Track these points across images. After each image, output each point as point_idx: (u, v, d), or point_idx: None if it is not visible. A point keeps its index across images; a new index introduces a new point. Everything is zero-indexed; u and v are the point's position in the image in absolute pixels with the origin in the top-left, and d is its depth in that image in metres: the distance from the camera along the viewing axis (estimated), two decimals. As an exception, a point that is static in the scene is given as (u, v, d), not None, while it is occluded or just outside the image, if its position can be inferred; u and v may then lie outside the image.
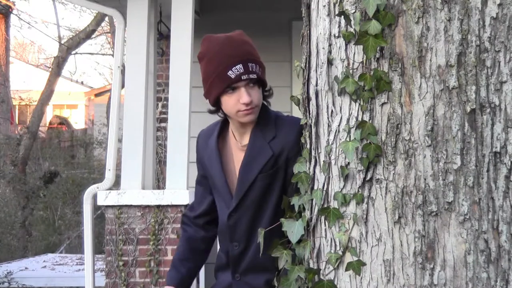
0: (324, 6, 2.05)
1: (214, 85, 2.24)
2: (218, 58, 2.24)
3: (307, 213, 2.10)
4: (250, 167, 2.29)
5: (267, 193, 2.28)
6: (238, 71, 2.21)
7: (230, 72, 2.21)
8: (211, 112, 2.34)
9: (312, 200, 2.08)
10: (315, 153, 2.09)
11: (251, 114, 2.25)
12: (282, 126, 2.29)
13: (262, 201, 2.29)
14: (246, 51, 2.26)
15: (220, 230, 2.40)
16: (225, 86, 2.22)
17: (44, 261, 9.97)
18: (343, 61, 2.00)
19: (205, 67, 2.28)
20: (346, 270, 1.96)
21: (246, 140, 2.34)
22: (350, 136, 1.97)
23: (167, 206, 4.93)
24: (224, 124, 2.40)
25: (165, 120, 6.71)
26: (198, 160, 2.48)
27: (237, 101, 2.23)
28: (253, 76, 2.23)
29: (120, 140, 5.37)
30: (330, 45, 2.04)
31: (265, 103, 2.35)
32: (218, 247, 2.49)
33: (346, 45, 1.99)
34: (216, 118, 2.41)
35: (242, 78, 2.21)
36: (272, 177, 2.27)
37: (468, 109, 1.88)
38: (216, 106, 2.30)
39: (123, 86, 5.34)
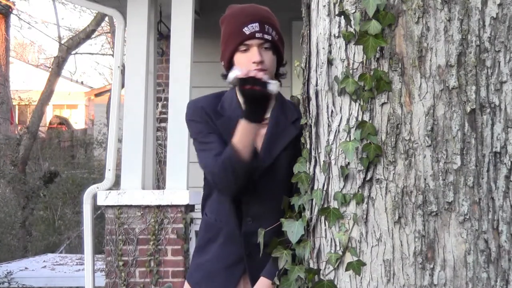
0: (324, 6, 2.05)
1: (229, 42, 2.27)
2: (237, 17, 2.28)
3: (307, 213, 2.10)
4: (275, 144, 2.27)
5: (287, 172, 2.23)
6: (253, 28, 2.24)
7: (245, 28, 2.24)
8: (224, 77, 2.33)
9: (312, 200, 2.08)
10: (315, 153, 2.09)
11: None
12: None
13: (282, 179, 2.25)
14: (266, 16, 2.29)
15: (227, 202, 2.30)
16: (238, 42, 2.24)
17: (44, 261, 9.97)
18: (343, 61, 2.00)
19: (224, 28, 2.32)
20: (346, 270, 1.96)
21: None
22: (350, 136, 1.97)
23: (167, 206, 4.94)
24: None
25: (165, 120, 6.71)
26: (204, 122, 2.30)
27: (248, 61, 2.23)
28: (268, 37, 2.24)
29: (120, 140, 5.37)
30: (330, 45, 2.04)
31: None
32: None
33: (346, 45, 1.99)
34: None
35: (256, 36, 2.23)
36: (293, 157, 2.23)
37: (468, 109, 1.88)
38: (229, 69, 2.29)
39: (123, 86, 5.34)
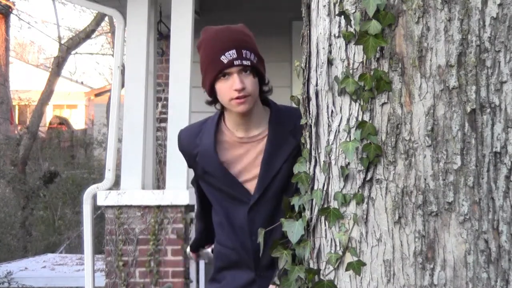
0: (324, 6, 2.05)
1: (208, 71, 2.23)
2: (213, 44, 2.23)
3: (307, 213, 2.10)
4: (275, 157, 2.26)
5: (289, 182, 2.23)
6: (231, 56, 2.19)
7: (223, 57, 2.19)
8: (208, 103, 2.31)
9: (312, 200, 2.07)
10: (315, 153, 2.09)
11: (244, 103, 2.21)
12: (298, 117, 2.23)
13: (284, 191, 2.25)
14: (242, 39, 2.24)
15: (230, 227, 2.33)
16: (217, 72, 2.20)
17: (44, 261, 9.98)
18: (343, 61, 2.00)
19: (201, 55, 2.27)
20: (346, 270, 1.96)
21: (252, 132, 2.31)
22: (350, 136, 1.97)
23: (167, 206, 4.94)
24: (218, 120, 2.36)
25: (165, 120, 6.71)
26: (187, 158, 2.43)
27: (229, 88, 2.20)
28: (247, 62, 2.20)
29: (120, 140, 5.38)
30: (330, 45, 2.04)
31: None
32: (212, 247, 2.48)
33: (346, 45, 1.99)
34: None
35: (235, 63, 2.19)
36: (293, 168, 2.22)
37: (468, 109, 1.87)
38: (212, 96, 2.27)
39: (123, 86, 5.35)
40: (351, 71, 1.97)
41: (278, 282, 2.14)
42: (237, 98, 2.20)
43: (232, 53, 2.19)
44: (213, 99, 2.28)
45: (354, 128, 1.95)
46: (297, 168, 2.15)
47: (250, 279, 2.32)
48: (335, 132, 2.01)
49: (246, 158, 2.31)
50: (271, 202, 2.27)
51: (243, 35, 2.26)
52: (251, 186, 2.30)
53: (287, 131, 2.28)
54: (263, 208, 2.28)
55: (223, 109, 2.32)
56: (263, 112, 2.33)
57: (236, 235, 2.32)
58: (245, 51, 2.21)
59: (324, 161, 2.04)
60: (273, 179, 2.26)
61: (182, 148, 2.42)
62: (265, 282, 2.29)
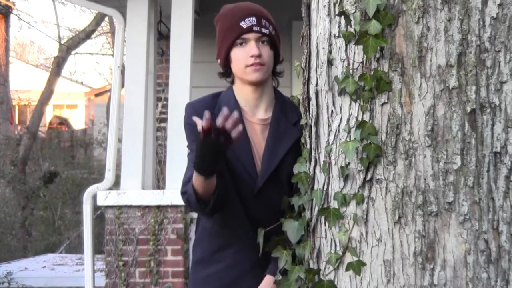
0: (324, 6, 2.06)
1: (226, 37, 2.24)
2: (233, 13, 2.27)
3: (307, 213, 2.10)
4: (277, 147, 2.24)
5: (290, 176, 2.19)
6: (250, 22, 2.22)
7: (242, 22, 2.22)
8: (221, 75, 2.31)
9: (312, 200, 2.08)
10: (315, 153, 2.09)
11: (259, 70, 2.21)
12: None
13: (286, 184, 2.22)
14: (262, 11, 2.28)
15: (232, 215, 2.26)
16: (236, 36, 2.22)
17: (44, 261, 9.98)
18: (343, 61, 2.00)
19: (220, 25, 2.29)
20: (346, 270, 1.96)
21: (260, 114, 2.29)
22: (350, 136, 1.97)
23: (167, 206, 4.94)
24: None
25: (165, 120, 6.71)
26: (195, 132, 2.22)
27: (246, 55, 2.21)
28: (265, 31, 2.23)
29: (120, 140, 5.37)
30: (330, 45, 2.04)
31: (273, 83, 2.33)
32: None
33: (346, 45, 1.99)
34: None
35: (254, 29, 2.22)
36: (295, 161, 2.19)
37: (468, 109, 1.87)
38: (226, 67, 2.27)
39: (123, 86, 5.35)
40: (351, 71, 1.97)
41: (279, 278, 2.13)
42: (253, 64, 2.21)
43: (252, 20, 2.23)
44: (226, 71, 2.29)
45: (354, 128, 1.95)
46: (297, 168, 2.15)
47: (256, 261, 2.24)
48: (335, 132, 2.01)
49: (253, 140, 2.28)
50: (275, 193, 2.22)
51: (263, 10, 2.31)
52: (257, 169, 2.26)
53: (291, 123, 2.27)
54: (267, 196, 2.23)
55: (233, 83, 2.30)
56: (272, 96, 2.32)
57: (234, 224, 2.26)
58: (264, 21, 2.25)
59: (324, 161, 2.04)
60: (276, 171, 2.23)
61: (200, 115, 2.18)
62: (267, 263, 2.23)
